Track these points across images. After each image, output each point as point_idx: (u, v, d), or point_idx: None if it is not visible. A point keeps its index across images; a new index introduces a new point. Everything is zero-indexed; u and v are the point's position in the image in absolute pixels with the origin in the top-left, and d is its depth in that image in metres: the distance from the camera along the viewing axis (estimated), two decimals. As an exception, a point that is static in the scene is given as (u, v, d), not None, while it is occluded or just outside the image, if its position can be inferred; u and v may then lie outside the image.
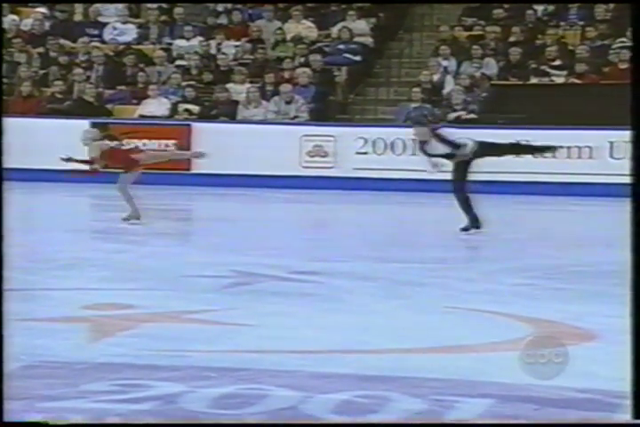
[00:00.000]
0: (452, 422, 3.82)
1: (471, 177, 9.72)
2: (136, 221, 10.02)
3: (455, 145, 9.61)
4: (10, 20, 17.47)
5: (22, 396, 4.07)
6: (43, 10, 17.74)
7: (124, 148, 10.52)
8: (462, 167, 9.63)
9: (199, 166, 14.78)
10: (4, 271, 3.31)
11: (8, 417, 3.74)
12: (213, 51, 16.51)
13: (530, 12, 16.03)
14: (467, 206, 9.55)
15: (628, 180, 3.47)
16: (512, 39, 15.65)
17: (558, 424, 3.83)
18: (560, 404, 4.08)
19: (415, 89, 14.97)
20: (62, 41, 16.96)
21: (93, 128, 10.65)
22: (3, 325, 3.24)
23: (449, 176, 9.95)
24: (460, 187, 9.61)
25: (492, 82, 15.12)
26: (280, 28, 16.57)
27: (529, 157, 14.31)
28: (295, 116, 15.13)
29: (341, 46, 16.19)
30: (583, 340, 5.38)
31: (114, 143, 10.49)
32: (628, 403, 3.45)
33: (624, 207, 3.59)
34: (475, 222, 9.57)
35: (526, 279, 7.31)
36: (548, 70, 15.07)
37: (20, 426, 3.48)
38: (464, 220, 9.64)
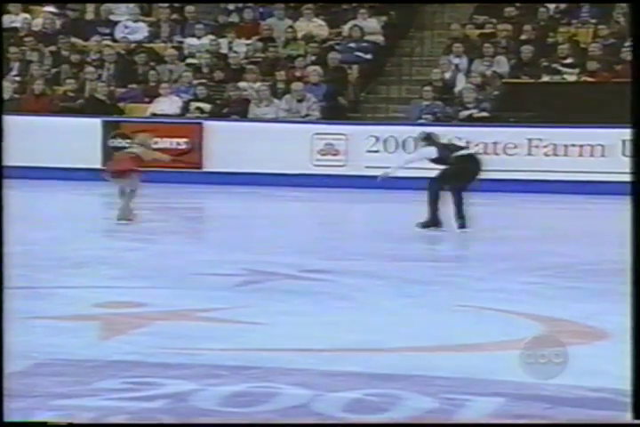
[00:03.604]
0: (456, 423, 3.81)
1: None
2: (129, 222, 9.97)
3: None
4: (22, 18, 17.51)
5: (34, 393, 4.08)
6: (54, 9, 17.77)
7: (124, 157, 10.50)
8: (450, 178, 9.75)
9: (210, 164, 14.80)
10: (4, 271, 3.31)
11: (21, 415, 3.75)
12: (225, 49, 16.51)
13: (542, 9, 15.99)
14: (433, 205, 9.64)
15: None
16: (524, 37, 15.61)
17: (559, 424, 3.82)
18: (571, 403, 4.07)
19: (426, 87, 14.95)
20: (74, 39, 16.99)
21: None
22: (3, 325, 3.25)
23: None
24: (437, 188, 9.70)
25: (504, 80, 15.08)
26: (291, 27, 16.56)
27: (541, 155, 14.32)
28: (306, 115, 15.12)
29: (352, 45, 16.17)
30: (595, 338, 5.37)
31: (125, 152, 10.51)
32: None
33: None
34: (434, 221, 9.60)
35: (538, 278, 7.29)
36: (560, 68, 15.02)
37: (20, 426, 3.49)
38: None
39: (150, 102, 15.62)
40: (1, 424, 3.30)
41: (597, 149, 13.85)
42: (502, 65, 15.30)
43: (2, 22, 15.84)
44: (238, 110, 15.28)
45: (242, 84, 15.59)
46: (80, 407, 3.90)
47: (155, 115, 15.39)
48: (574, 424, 3.80)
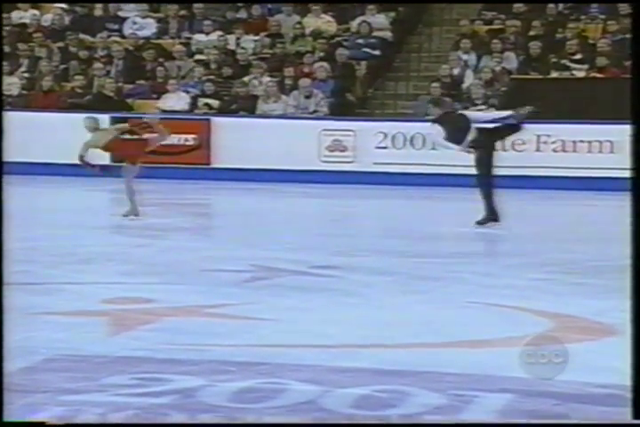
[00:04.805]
0: (461, 422, 3.80)
1: (496, 170, 9.81)
2: (134, 218, 9.95)
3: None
4: (31, 14, 17.54)
5: (42, 389, 4.09)
6: (63, 5, 17.79)
7: (130, 138, 10.49)
8: (486, 160, 9.67)
9: (219, 161, 14.80)
10: (4, 269, 3.30)
11: (29, 410, 3.76)
12: (232, 45, 16.51)
13: (551, 5, 15.95)
14: (488, 199, 9.59)
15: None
16: (532, 33, 15.57)
17: (559, 424, 3.81)
18: (580, 399, 4.07)
19: (434, 83, 14.93)
20: (82, 35, 17.01)
21: (91, 117, 10.71)
22: (3, 324, 3.25)
23: (469, 170, 9.95)
24: (486, 180, 9.65)
25: (512, 76, 15.05)
26: (299, 23, 16.55)
27: (550, 151, 14.29)
28: (314, 111, 15.12)
29: (361, 41, 16.15)
30: (604, 335, 5.36)
31: (124, 135, 10.49)
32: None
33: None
34: (491, 215, 9.59)
35: (547, 274, 7.28)
36: (569, 64, 14.99)
37: (20, 426, 3.49)
38: (482, 213, 9.61)
39: (158, 98, 15.63)
40: (1, 424, 3.31)
41: (606, 146, 13.82)
42: (511, 61, 15.27)
43: (2, 21, 15.86)
44: (246, 106, 15.28)
45: (248, 79, 15.58)
46: (88, 403, 3.90)
47: (163, 111, 15.40)
48: (574, 424, 3.79)
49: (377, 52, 16.13)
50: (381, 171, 14.20)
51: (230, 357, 4.71)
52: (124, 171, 10.11)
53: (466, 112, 10.67)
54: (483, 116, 10.40)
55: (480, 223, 9.56)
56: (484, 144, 9.67)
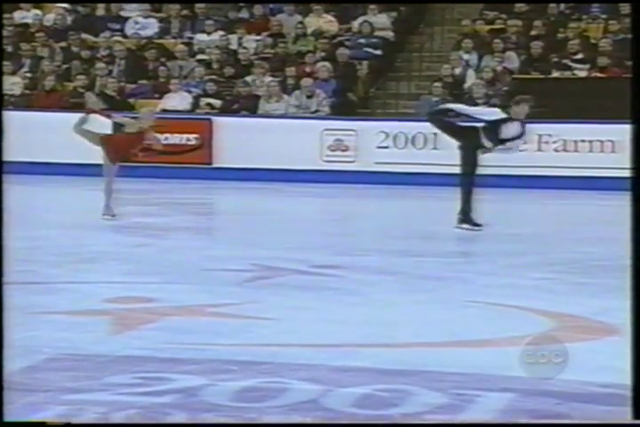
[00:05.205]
0: (461, 423, 3.81)
1: (480, 170, 9.65)
2: (110, 218, 9.86)
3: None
4: (33, 14, 17.56)
5: (45, 388, 4.10)
6: (65, 4, 17.82)
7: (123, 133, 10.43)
8: (472, 159, 9.53)
9: (220, 160, 14.81)
10: (4, 269, 3.31)
11: (31, 409, 3.77)
12: (234, 45, 16.53)
13: (552, 5, 15.96)
14: (466, 199, 9.43)
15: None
16: (534, 33, 15.58)
17: (561, 424, 3.81)
18: (582, 398, 4.07)
19: (436, 83, 14.94)
20: (84, 35, 17.03)
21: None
22: (3, 324, 3.26)
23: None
24: (468, 180, 9.50)
25: (514, 76, 15.06)
26: (301, 22, 16.56)
27: (551, 151, 14.30)
28: (316, 111, 15.13)
29: (362, 40, 16.17)
30: (606, 334, 5.37)
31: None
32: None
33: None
34: (464, 216, 9.42)
35: (548, 273, 7.29)
36: (570, 64, 15.00)
37: (20, 426, 3.50)
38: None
39: (160, 98, 15.64)
40: (1, 424, 3.32)
41: (607, 145, 13.83)
42: (512, 60, 15.28)
43: (2, 21, 15.88)
44: (248, 106, 15.29)
45: (250, 79, 15.59)
46: (91, 402, 3.91)
47: (165, 110, 15.41)
48: (575, 424, 3.80)
49: (378, 52, 16.14)
50: (383, 170, 14.21)
51: (232, 356, 4.72)
52: (105, 169, 10.06)
53: (453, 105, 10.34)
54: (466, 109, 9.99)
55: (461, 222, 9.40)
56: (471, 142, 9.53)
